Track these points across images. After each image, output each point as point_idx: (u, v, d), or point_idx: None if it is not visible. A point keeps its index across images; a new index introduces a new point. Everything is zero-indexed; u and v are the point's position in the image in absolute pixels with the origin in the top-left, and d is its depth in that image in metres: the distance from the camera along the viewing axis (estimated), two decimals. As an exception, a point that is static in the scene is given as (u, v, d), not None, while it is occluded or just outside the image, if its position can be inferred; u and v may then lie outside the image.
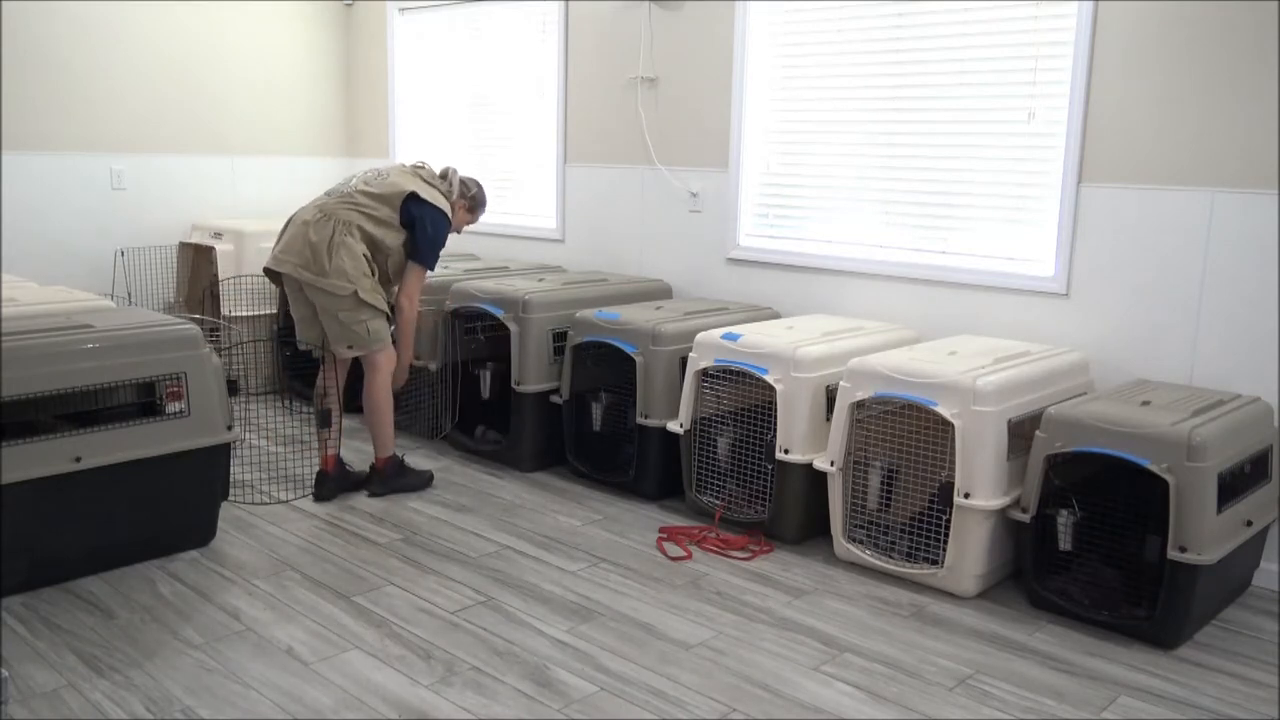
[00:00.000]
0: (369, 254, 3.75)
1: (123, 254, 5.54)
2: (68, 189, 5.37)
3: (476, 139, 5.80)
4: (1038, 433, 3.12)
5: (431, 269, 3.92)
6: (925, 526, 3.30)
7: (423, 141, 6.11)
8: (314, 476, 4.00)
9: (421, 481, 4.09)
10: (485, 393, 4.53)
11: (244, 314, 5.28)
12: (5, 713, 2.37)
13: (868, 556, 3.39)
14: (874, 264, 4.20)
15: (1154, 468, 2.88)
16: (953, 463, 3.16)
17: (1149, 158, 3.50)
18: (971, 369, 3.22)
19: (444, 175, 3.98)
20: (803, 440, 3.54)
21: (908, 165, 4.09)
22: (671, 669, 2.75)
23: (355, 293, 3.69)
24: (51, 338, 3.08)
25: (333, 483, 3.95)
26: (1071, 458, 3.08)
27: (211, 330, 5.03)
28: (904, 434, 3.34)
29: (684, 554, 3.53)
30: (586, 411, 4.17)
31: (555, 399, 4.23)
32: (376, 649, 2.82)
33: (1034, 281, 3.78)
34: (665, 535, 3.68)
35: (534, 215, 5.52)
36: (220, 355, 3.48)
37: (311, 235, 3.69)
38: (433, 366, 4.55)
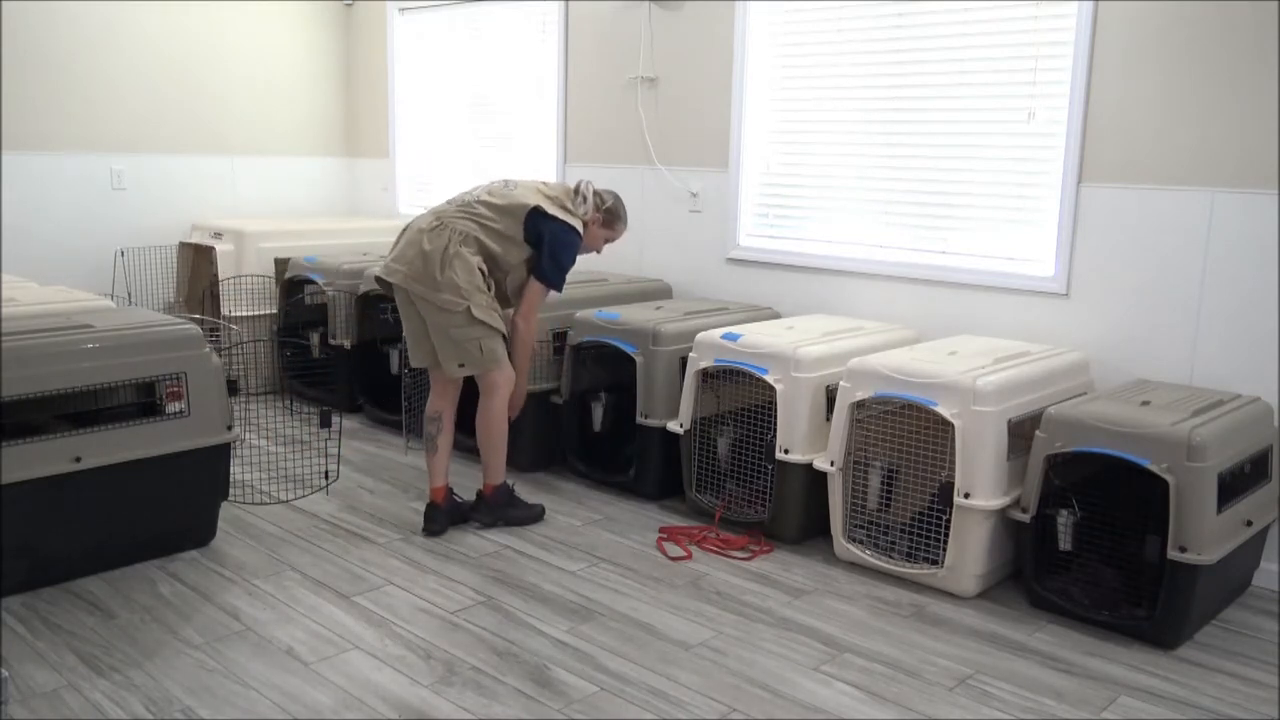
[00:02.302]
0: (485, 269, 3.50)
1: (123, 254, 5.54)
2: (68, 189, 5.37)
3: (476, 139, 5.80)
4: (1038, 433, 3.12)
5: (557, 289, 3.67)
6: (925, 526, 3.30)
7: (423, 141, 6.12)
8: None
9: (532, 515, 3.79)
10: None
11: (244, 314, 5.28)
12: (5, 713, 2.37)
13: (868, 556, 3.39)
14: (874, 264, 4.20)
15: (1154, 468, 2.88)
16: (953, 463, 3.16)
17: (1149, 158, 3.50)
18: (971, 369, 3.22)
19: (577, 190, 3.70)
20: (803, 440, 3.54)
21: (907, 165, 4.09)
22: (671, 669, 2.75)
23: (468, 309, 3.43)
24: (51, 338, 3.08)
25: (444, 515, 3.68)
26: (1071, 458, 3.08)
27: (211, 330, 5.03)
28: (904, 434, 3.34)
29: (684, 554, 3.53)
30: (586, 411, 4.17)
31: (555, 399, 4.23)
32: (376, 649, 2.82)
33: (1034, 281, 3.78)
34: (665, 535, 3.68)
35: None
36: (220, 355, 3.48)
37: (425, 244, 3.45)
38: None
